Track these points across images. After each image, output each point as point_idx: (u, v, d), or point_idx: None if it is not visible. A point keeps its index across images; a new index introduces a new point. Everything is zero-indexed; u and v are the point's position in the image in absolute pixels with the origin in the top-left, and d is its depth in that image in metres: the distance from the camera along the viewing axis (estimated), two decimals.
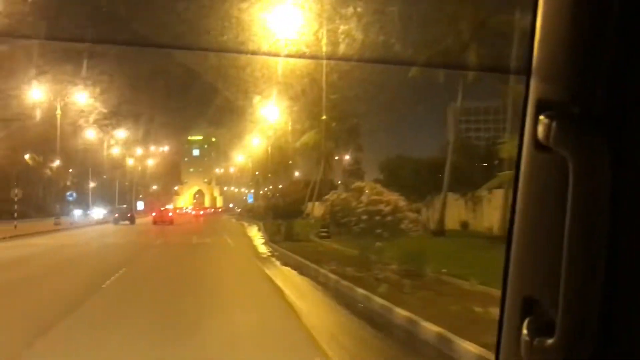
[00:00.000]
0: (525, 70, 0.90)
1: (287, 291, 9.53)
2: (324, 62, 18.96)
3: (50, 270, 12.78)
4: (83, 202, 61.11)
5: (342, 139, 41.21)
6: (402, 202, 10.72)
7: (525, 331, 0.82)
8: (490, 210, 22.38)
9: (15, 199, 30.21)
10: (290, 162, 40.48)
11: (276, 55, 15.42)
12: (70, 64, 35.80)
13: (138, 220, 42.23)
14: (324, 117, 20.98)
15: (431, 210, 26.51)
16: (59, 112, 36.58)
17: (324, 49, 16.74)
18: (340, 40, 17.66)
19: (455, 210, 25.30)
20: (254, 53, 12.64)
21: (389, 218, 10.25)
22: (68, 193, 38.91)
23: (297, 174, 47.89)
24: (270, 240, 20.60)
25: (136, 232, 31.61)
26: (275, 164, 50.35)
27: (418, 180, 29.19)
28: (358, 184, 11.26)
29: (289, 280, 11.10)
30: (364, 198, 10.57)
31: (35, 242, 21.42)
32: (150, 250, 18.54)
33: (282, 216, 24.44)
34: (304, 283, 10.64)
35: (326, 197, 11.56)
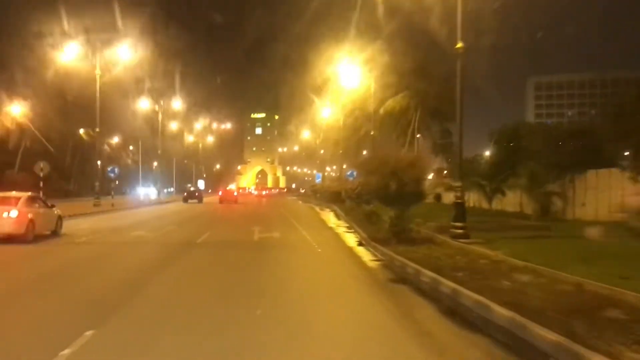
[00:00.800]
0: None
1: None
2: None
3: None
4: (143, 181, 57.86)
5: (441, 107, 33.58)
6: None
7: None
8: None
9: (41, 174, 24.64)
10: (372, 132, 32.70)
11: None
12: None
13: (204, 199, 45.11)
14: (459, 44, 12.91)
15: (582, 191, 20.05)
16: (98, 77, 30.62)
17: None
18: None
19: (618, 191, 18.29)
20: None
21: None
22: (109, 169, 33.11)
23: (364, 152, 40.49)
24: (372, 238, 13.10)
25: (187, 216, 25.30)
26: (347, 139, 42.82)
27: (559, 153, 21.46)
28: None
29: None
30: None
31: None
32: (181, 260, 11.11)
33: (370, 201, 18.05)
34: None
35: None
